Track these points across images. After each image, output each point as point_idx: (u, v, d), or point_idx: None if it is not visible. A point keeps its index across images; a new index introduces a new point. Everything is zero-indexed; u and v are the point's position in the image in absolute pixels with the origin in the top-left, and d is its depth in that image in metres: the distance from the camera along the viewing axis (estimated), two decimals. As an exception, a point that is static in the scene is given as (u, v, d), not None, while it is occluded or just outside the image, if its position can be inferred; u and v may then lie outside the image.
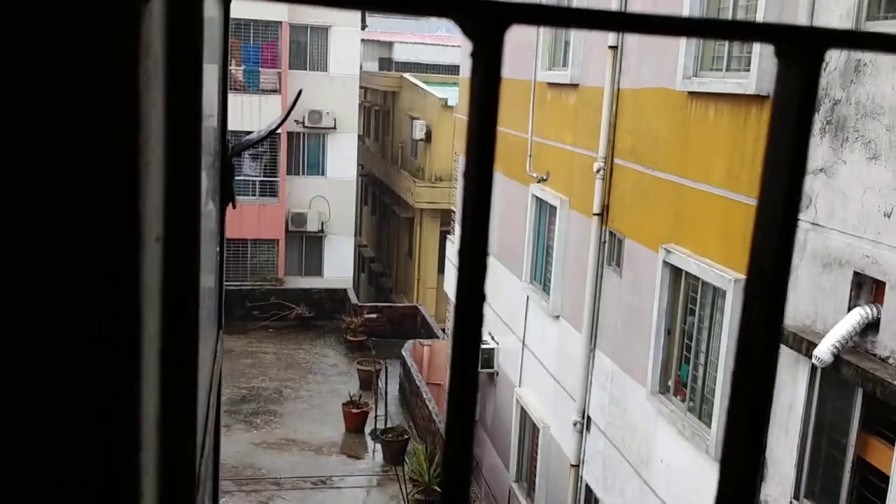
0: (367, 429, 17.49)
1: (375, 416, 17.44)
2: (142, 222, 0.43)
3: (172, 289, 0.54)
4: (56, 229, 0.43)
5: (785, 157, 0.38)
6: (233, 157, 1.77)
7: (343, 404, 17.70)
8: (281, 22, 25.21)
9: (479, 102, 0.38)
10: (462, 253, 0.37)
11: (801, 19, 6.83)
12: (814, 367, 6.47)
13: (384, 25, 44.49)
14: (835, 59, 6.51)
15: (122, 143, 0.41)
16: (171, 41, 0.48)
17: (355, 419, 17.45)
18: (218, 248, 1.51)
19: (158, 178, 0.47)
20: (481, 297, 0.45)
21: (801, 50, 0.37)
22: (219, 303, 1.65)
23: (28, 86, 0.41)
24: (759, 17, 7.36)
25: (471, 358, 0.44)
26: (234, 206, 1.70)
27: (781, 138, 0.38)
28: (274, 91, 25.21)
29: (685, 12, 8.57)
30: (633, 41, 10.04)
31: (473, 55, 0.36)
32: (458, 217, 15.83)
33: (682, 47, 8.65)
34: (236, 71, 24.60)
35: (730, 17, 8.13)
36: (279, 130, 25.03)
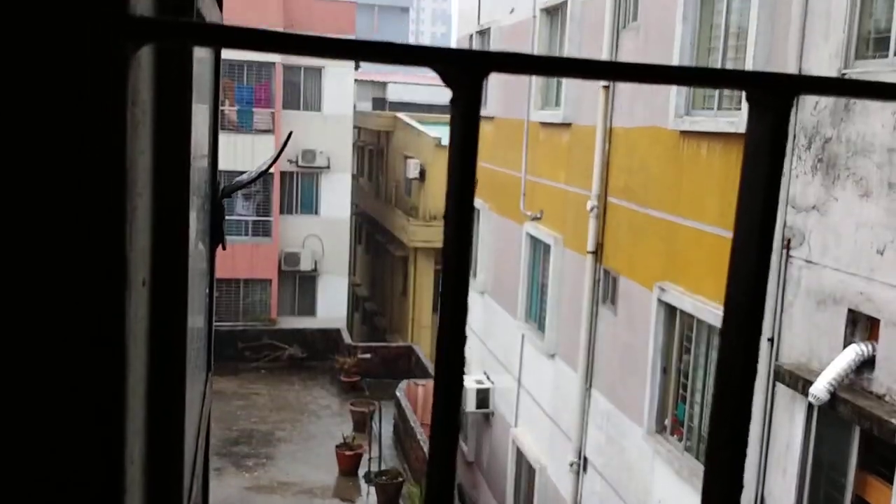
0: (361, 471, 17.29)
1: (369, 459, 17.25)
2: (128, 266, 0.44)
3: (160, 332, 0.54)
4: (41, 274, 0.43)
5: (757, 199, 0.39)
6: (223, 198, 1.78)
7: (336, 446, 17.51)
8: (274, 63, 25.48)
9: (458, 147, 0.38)
10: (444, 295, 0.38)
11: (791, 58, 6.93)
12: (810, 406, 6.45)
13: (378, 66, 44.98)
14: (824, 97, 6.60)
15: (107, 189, 0.42)
16: (160, 89, 0.49)
17: (349, 462, 17.26)
18: (207, 290, 1.51)
19: (146, 222, 0.48)
20: (462, 338, 0.45)
21: (771, 96, 0.38)
22: (208, 344, 1.65)
23: (15, 132, 0.42)
24: (749, 56, 7.47)
25: (453, 408, 0.44)
26: (223, 248, 1.70)
27: (753, 182, 0.39)
28: (268, 131, 25.36)
29: (676, 50, 8.70)
30: (624, 81, 10.16)
31: (452, 102, 0.37)
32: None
33: (674, 86, 8.76)
34: (230, 111, 24.78)
35: (720, 55, 8.25)
36: (272, 170, 25.14)
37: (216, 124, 1.68)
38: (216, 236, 1.58)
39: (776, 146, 0.38)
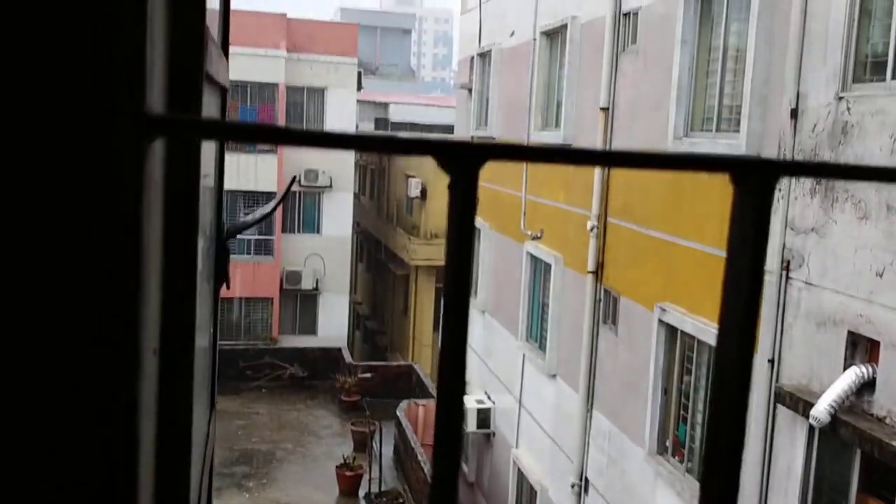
0: (362, 492, 17.20)
1: (370, 479, 17.17)
2: (140, 343, 0.46)
3: (167, 399, 0.56)
4: (56, 348, 0.45)
5: (744, 279, 0.41)
6: (228, 239, 1.80)
7: (337, 467, 17.44)
8: (277, 84, 25.62)
9: (456, 228, 0.40)
10: (441, 375, 0.39)
11: (789, 81, 6.98)
12: (811, 428, 6.44)
13: (380, 87, 45.21)
14: (822, 120, 6.64)
15: (121, 270, 0.44)
16: (171, 172, 0.51)
17: (349, 482, 17.18)
18: (212, 330, 1.52)
19: (156, 292, 0.50)
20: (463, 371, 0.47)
21: (754, 179, 0.40)
22: (211, 383, 1.66)
23: (35, 217, 0.44)
24: (748, 79, 7.52)
25: (454, 432, 0.46)
26: (227, 287, 1.72)
27: (739, 261, 0.40)
28: (270, 151, 25.46)
29: (675, 73, 8.76)
30: (624, 102, 10.23)
31: (451, 187, 0.39)
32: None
33: (673, 108, 8.81)
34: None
35: (718, 78, 8.30)
36: (274, 189, 25.19)
37: (222, 159, 1.71)
38: (220, 276, 1.60)
39: (760, 228, 0.40)
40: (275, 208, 2.66)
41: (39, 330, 0.45)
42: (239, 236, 25.65)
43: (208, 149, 1.24)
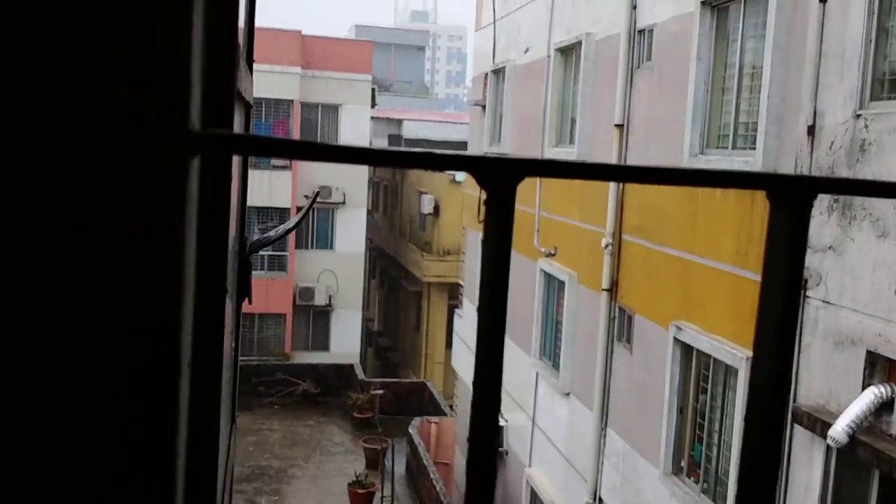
0: (374, 509, 17.14)
1: (382, 497, 17.09)
2: (181, 356, 0.46)
3: (197, 412, 0.57)
4: (109, 361, 0.46)
5: (778, 295, 0.40)
6: (251, 254, 1.80)
7: (349, 484, 17.37)
8: (293, 100, 25.77)
9: (493, 242, 0.40)
10: (476, 390, 0.39)
11: (805, 99, 6.95)
12: (829, 448, 6.36)
13: (394, 103, 45.42)
14: (839, 137, 6.61)
15: (165, 285, 0.45)
16: (204, 188, 0.52)
17: (361, 500, 17.10)
18: (234, 344, 1.53)
19: (190, 306, 0.50)
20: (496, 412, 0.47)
21: (791, 196, 0.40)
22: (233, 397, 1.67)
23: (85, 232, 0.44)
24: (764, 96, 7.50)
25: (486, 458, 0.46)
26: (250, 302, 1.73)
27: (774, 279, 0.40)
28: (285, 167, 25.59)
29: (690, 90, 8.75)
30: (639, 119, 10.22)
31: (488, 202, 0.39)
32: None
33: (688, 125, 8.80)
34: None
35: (734, 95, 8.28)
36: (288, 205, 25.30)
37: (245, 175, 1.72)
38: (243, 291, 1.61)
39: (796, 244, 0.40)
40: (298, 223, 2.67)
41: (94, 345, 0.46)
42: (253, 252, 25.74)
43: (234, 165, 1.25)
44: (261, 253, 25.85)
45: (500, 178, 0.38)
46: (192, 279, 0.50)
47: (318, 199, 26.34)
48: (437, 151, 0.38)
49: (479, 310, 0.42)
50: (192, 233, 0.46)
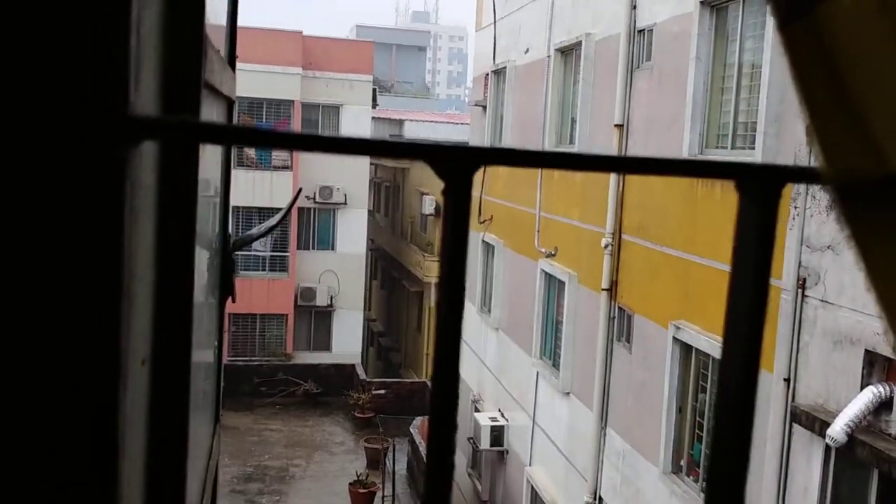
0: (375, 509, 17.13)
1: (383, 497, 17.09)
2: (122, 353, 0.45)
3: (160, 410, 0.55)
4: (35, 357, 0.45)
5: (748, 286, 0.39)
6: (234, 251, 1.79)
7: (350, 484, 17.37)
8: (293, 101, 25.77)
9: (450, 231, 0.39)
10: (434, 395, 0.38)
11: (803, 99, 6.93)
12: (828, 448, 6.35)
13: (395, 104, 45.43)
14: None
15: (102, 276, 0.43)
16: (165, 178, 0.50)
17: (363, 499, 17.11)
18: (216, 343, 1.52)
19: (146, 303, 0.49)
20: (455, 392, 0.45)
21: (759, 185, 0.39)
22: (216, 399, 1.66)
23: (15, 227, 0.43)
24: (763, 95, 7.49)
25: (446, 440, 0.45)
26: (233, 301, 1.72)
27: (743, 269, 0.39)
28: (285, 168, 25.59)
29: (689, 90, 8.74)
30: (638, 119, 10.21)
31: (444, 193, 0.38)
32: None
33: (687, 124, 8.79)
34: (249, 148, 25.04)
35: (733, 94, 8.27)
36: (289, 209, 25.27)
37: (228, 172, 1.71)
38: (226, 289, 1.60)
39: (764, 235, 0.39)
40: (280, 220, 2.66)
41: (35, 332, 0.45)
42: (254, 252, 25.76)
43: (213, 161, 1.24)
44: (262, 253, 25.86)
45: (456, 166, 0.37)
46: (149, 272, 0.49)
47: (320, 200, 26.34)
48: (390, 139, 0.37)
49: (438, 292, 0.41)
50: (146, 224, 0.45)
